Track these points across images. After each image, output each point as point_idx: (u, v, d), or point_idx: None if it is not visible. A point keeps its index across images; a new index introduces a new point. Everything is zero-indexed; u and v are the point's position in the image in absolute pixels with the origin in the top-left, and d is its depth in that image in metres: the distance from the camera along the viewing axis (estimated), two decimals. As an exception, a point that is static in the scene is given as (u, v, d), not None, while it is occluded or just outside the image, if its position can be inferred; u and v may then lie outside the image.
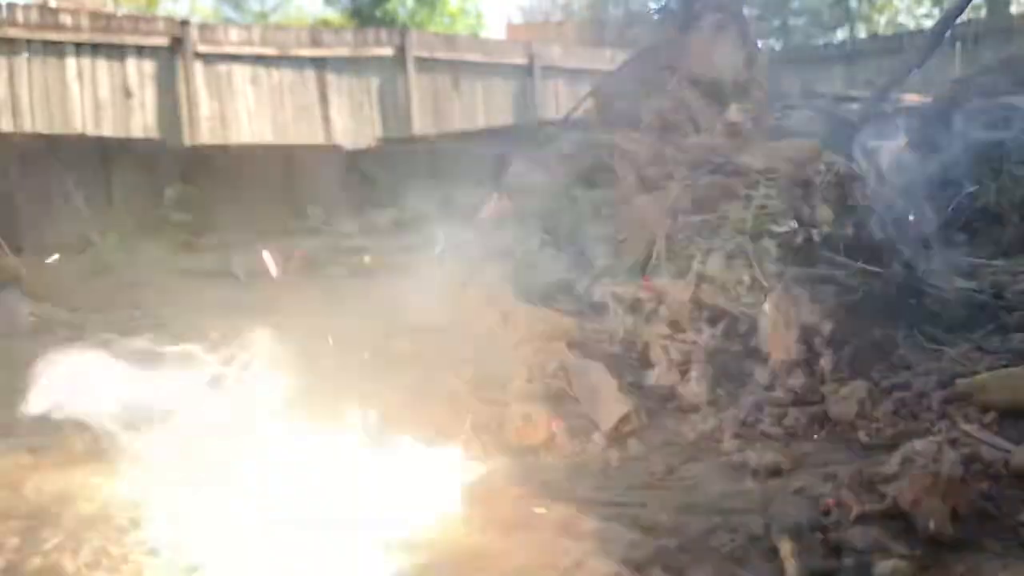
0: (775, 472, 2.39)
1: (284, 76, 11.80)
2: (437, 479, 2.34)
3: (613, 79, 4.53)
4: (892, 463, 2.17)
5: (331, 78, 12.12)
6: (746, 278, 3.25)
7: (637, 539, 1.93)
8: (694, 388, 2.99)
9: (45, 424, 2.25)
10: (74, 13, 10.27)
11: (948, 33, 6.56)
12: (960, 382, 2.87)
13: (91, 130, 9.82)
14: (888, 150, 5.25)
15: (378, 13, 17.94)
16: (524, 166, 4.52)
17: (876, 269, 3.33)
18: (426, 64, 12.92)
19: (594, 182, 4.00)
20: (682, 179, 3.72)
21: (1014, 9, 12.69)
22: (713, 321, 3.23)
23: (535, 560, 1.86)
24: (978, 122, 4.90)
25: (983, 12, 11.91)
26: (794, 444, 2.62)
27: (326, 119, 12.13)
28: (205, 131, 10.99)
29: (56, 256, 5.60)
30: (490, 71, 13.68)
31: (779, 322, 3.06)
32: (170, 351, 2.27)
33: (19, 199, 6.04)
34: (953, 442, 2.24)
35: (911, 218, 4.21)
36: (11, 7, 9.62)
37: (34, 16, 9.85)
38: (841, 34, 15.44)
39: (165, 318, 4.48)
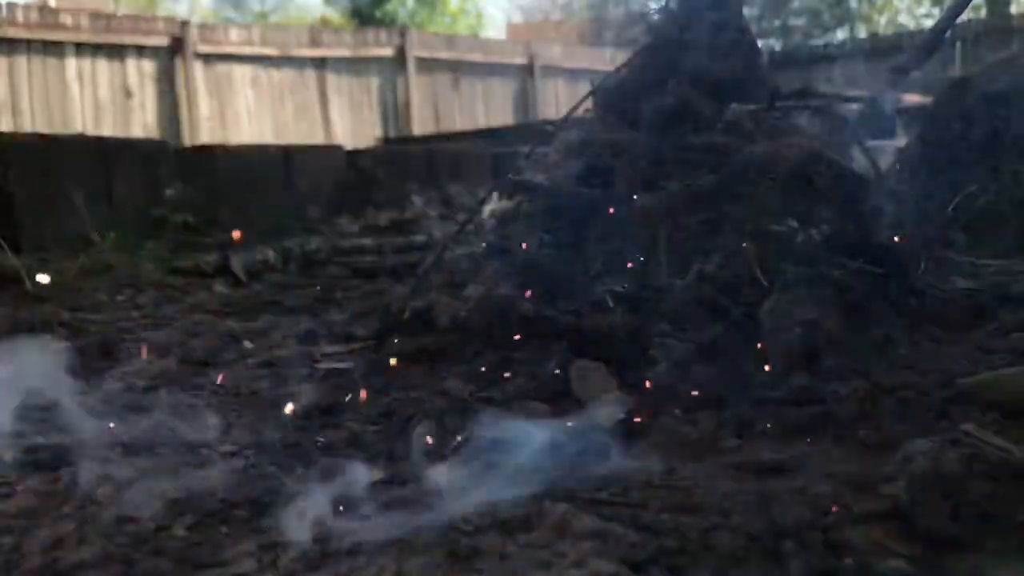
0: (775, 472, 2.39)
1: (284, 76, 11.80)
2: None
3: (613, 79, 4.52)
4: (892, 463, 2.17)
5: (331, 78, 12.12)
6: (746, 278, 3.25)
7: (637, 539, 1.93)
8: (694, 388, 2.99)
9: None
10: (74, 13, 10.28)
11: (948, 33, 6.56)
12: (960, 382, 2.87)
13: (91, 130, 9.83)
14: (888, 150, 5.25)
15: (378, 13, 17.94)
16: (524, 166, 4.52)
17: (876, 269, 3.32)
18: (426, 64, 12.93)
19: (594, 182, 4.00)
20: (682, 179, 3.72)
21: (1014, 9, 12.70)
22: (713, 321, 3.23)
23: (535, 559, 1.86)
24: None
25: (983, 12, 11.92)
26: (794, 444, 2.62)
27: (326, 119, 12.14)
28: (205, 131, 10.99)
29: (56, 256, 5.61)
30: (490, 71, 13.69)
31: (779, 322, 3.06)
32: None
33: (19, 199, 6.05)
34: (953, 442, 2.23)
35: (911, 218, 4.21)
36: (11, 7, 9.62)
37: (34, 16, 9.85)
38: (841, 34, 15.44)
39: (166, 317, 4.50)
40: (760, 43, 4.86)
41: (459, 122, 12.94)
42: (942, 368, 3.04)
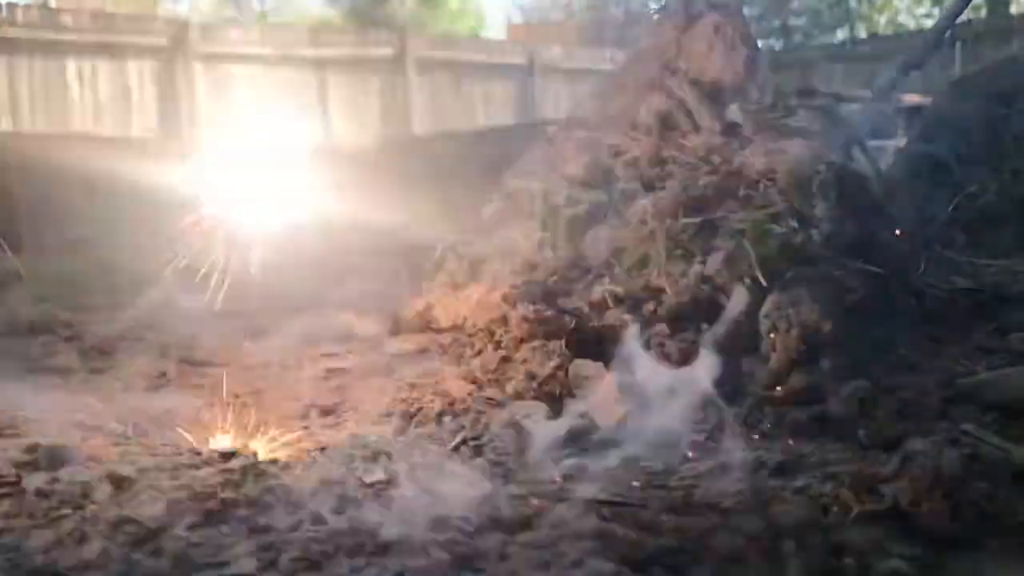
0: (775, 472, 2.39)
1: (284, 76, 11.78)
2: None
3: (613, 79, 4.52)
4: (892, 463, 2.18)
5: (331, 78, 12.10)
6: (746, 278, 3.25)
7: (637, 539, 1.93)
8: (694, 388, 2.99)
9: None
10: (74, 13, 10.26)
11: (948, 33, 6.56)
12: (960, 382, 2.87)
13: (91, 130, 9.81)
14: (888, 150, 5.24)
15: (378, 13, 17.92)
16: (524, 166, 4.52)
17: (876, 269, 3.32)
18: (426, 64, 12.90)
19: (594, 182, 4.00)
20: (682, 179, 3.72)
21: (1014, 9, 12.69)
22: (713, 321, 3.23)
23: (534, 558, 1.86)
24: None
25: (983, 12, 11.91)
26: (794, 444, 2.62)
27: (326, 119, 12.12)
28: (205, 131, 10.97)
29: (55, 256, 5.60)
30: (490, 71, 13.66)
31: (779, 322, 3.06)
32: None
33: (19, 199, 6.04)
34: (953, 442, 2.24)
35: (911, 218, 4.21)
36: (11, 7, 9.61)
37: (34, 16, 9.84)
38: (841, 34, 15.43)
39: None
40: (760, 43, 4.86)
41: (459, 122, 12.94)
42: (942, 368, 3.04)
